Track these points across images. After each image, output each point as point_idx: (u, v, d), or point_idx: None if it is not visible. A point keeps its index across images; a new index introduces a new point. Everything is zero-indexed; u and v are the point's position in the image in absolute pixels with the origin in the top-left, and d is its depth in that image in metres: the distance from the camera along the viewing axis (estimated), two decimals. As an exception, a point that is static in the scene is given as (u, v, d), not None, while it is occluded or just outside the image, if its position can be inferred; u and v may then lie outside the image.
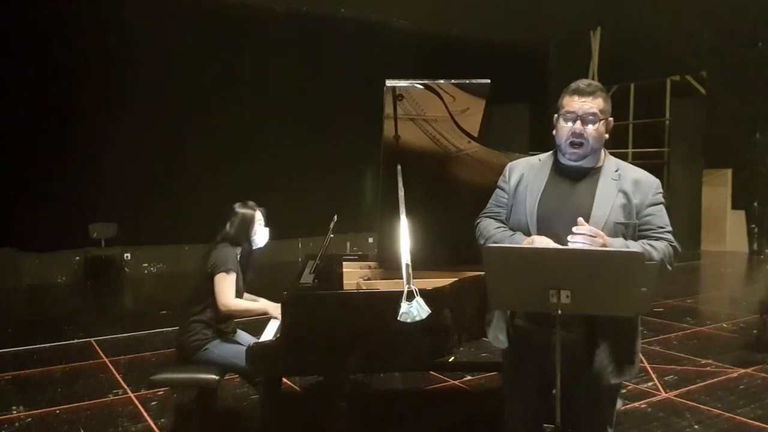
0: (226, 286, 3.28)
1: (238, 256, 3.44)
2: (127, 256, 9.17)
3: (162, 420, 3.83)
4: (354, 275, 3.44)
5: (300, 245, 10.30)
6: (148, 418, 3.86)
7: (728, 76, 10.93)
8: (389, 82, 2.88)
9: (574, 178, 2.22)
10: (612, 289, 1.94)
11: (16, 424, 3.82)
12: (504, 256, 2.04)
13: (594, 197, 2.16)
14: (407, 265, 2.61)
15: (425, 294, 2.52)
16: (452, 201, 3.15)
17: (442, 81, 2.90)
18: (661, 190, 2.23)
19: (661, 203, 2.22)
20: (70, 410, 4.02)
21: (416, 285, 2.52)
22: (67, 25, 8.44)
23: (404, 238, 2.72)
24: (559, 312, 1.97)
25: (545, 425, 2.67)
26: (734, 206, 11.01)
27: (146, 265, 9.38)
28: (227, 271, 3.28)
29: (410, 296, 2.48)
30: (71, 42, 8.42)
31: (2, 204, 8.06)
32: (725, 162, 11.04)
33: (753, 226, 10.84)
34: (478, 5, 11.20)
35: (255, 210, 3.50)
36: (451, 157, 3.27)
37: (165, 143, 8.98)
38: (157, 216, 8.82)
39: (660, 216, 2.20)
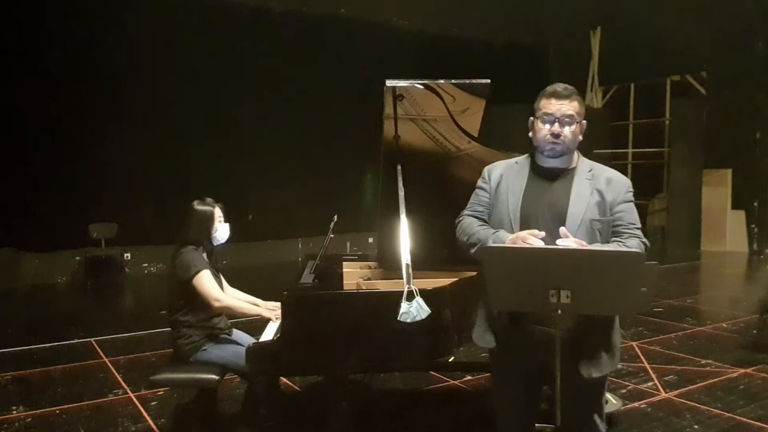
0: (206, 285, 3.24)
1: (204, 256, 3.37)
2: (127, 256, 9.17)
3: (162, 420, 3.83)
4: (354, 275, 3.44)
5: (300, 245, 10.29)
6: (148, 418, 3.86)
7: (728, 76, 10.92)
8: (389, 82, 2.88)
9: (550, 178, 2.30)
10: (612, 289, 1.94)
11: (16, 424, 3.82)
12: (504, 256, 2.04)
13: (570, 196, 2.25)
14: (407, 265, 2.61)
15: (425, 294, 2.52)
16: (452, 201, 3.14)
17: (442, 81, 2.90)
18: (632, 190, 2.32)
19: (631, 201, 2.32)
20: (70, 410, 4.02)
21: (416, 285, 2.52)
22: (66, 26, 8.43)
23: (404, 238, 2.72)
24: (559, 312, 1.97)
25: (545, 425, 2.67)
26: (734, 206, 11.00)
27: (146, 265, 9.37)
28: (197, 272, 3.23)
29: (410, 296, 2.48)
30: (71, 42, 8.42)
31: (2, 204, 8.05)
32: (725, 162, 11.03)
33: (753, 226, 10.83)
34: (478, 5, 11.20)
35: (213, 207, 3.41)
36: (451, 157, 3.28)
37: (165, 143, 8.97)
38: (157, 216, 8.80)
39: (631, 213, 2.28)
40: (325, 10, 10.38)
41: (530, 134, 2.32)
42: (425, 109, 3.05)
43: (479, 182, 2.43)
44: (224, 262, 3.59)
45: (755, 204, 10.78)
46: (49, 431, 3.73)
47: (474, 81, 2.91)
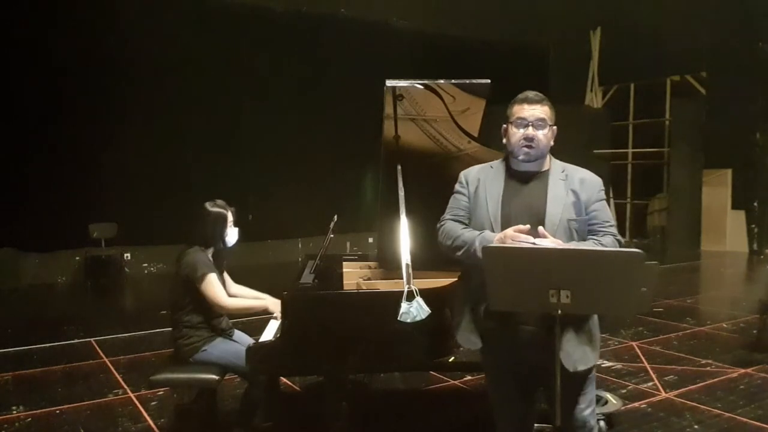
0: (213, 289, 3.24)
1: (210, 257, 3.37)
2: (127, 256, 9.17)
3: (162, 420, 3.84)
4: (354, 275, 3.44)
5: (300, 245, 10.29)
6: (148, 418, 3.86)
7: (728, 76, 10.92)
8: (389, 82, 2.89)
9: (526, 181, 2.37)
10: (612, 289, 1.94)
11: (16, 424, 3.82)
12: (504, 256, 2.05)
13: (547, 197, 2.31)
14: (407, 265, 2.61)
15: (425, 294, 2.52)
16: (452, 201, 3.15)
17: (442, 81, 2.91)
18: (603, 188, 2.40)
19: (604, 199, 2.39)
20: (70, 410, 4.02)
21: (416, 285, 2.52)
22: (66, 25, 8.43)
23: (404, 238, 2.72)
24: (559, 312, 1.97)
25: (544, 425, 2.67)
26: (734, 206, 11.00)
27: (146, 265, 9.38)
28: (204, 275, 3.22)
29: (410, 296, 2.49)
30: (71, 42, 8.41)
31: (2, 204, 8.05)
32: (725, 162, 11.03)
33: (753, 226, 10.83)
34: (478, 5, 11.20)
35: (227, 210, 3.41)
36: (451, 157, 3.28)
37: (165, 143, 8.97)
38: (157, 216, 8.81)
39: (604, 211, 2.36)
40: (325, 10, 10.38)
41: (503, 140, 2.39)
42: (425, 109, 3.05)
43: (457, 187, 2.48)
44: (224, 262, 3.58)
45: (755, 204, 10.78)
46: (49, 431, 3.74)
47: (474, 81, 2.91)
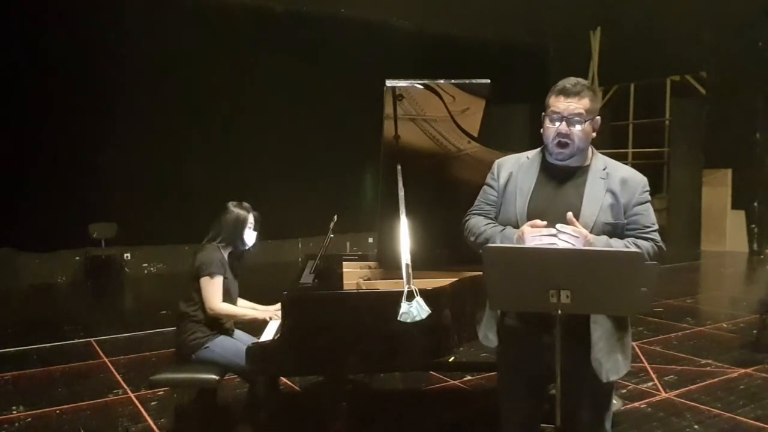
0: (210, 290, 3.27)
1: (227, 257, 3.42)
2: (127, 256, 9.17)
3: (162, 420, 3.84)
4: (354, 275, 3.44)
5: (300, 245, 10.29)
6: (148, 418, 3.87)
7: (728, 76, 10.92)
8: (389, 82, 2.88)
9: (562, 177, 2.22)
10: (612, 289, 1.93)
11: (16, 424, 3.82)
12: (504, 256, 2.03)
13: (582, 197, 2.17)
14: (407, 265, 2.61)
15: (425, 294, 2.52)
16: (452, 201, 3.14)
17: (442, 81, 2.90)
18: (648, 188, 2.22)
19: (647, 201, 2.21)
20: (70, 410, 4.02)
21: (416, 285, 2.52)
22: (66, 25, 8.43)
23: (404, 238, 2.72)
24: (559, 312, 1.97)
25: (545, 425, 2.67)
26: (734, 206, 11.00)
27: (146, 265, 9.37)
28: (211, 275, 3.27)
29: (410, 296, 2.48)
30: (71, 42, 8.42)
31: (2, 204, 8.06)
32: (725, 162, 11.03)
33: (753, 226, 10.83)
34: (478, 5, 11.19)
35: (249, 212, 3.46)
36: (451, 157, 3.28)
37: (165, 143, 8.97)
38: (157, 216, 8.81)
39: (647, 215, 2.19)
40: (325, 10, 10.38)
41: (541, 130, 2.22)
42: (425, 109, 3.04)
43: (488, 178, 2.37)
44: (239, 268, 3.59)
45: (755, 204, 10.78)
46: (49, 431, 3.74)
47: (474, 81, 2.91)
